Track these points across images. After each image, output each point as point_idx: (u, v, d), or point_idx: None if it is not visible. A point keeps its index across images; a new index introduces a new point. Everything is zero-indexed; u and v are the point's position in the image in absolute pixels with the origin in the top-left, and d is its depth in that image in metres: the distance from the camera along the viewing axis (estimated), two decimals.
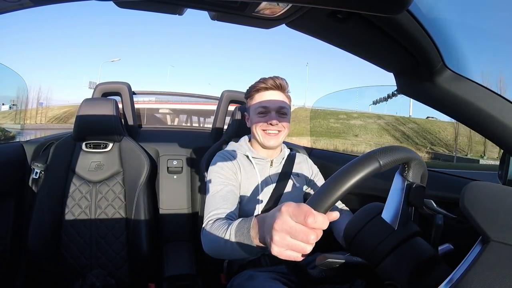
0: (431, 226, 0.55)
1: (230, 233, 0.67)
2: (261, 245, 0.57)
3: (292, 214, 0.45)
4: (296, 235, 0.44)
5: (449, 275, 0.40)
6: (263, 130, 0.99)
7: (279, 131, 0.99)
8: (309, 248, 0.45)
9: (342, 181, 0.45)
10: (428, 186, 0.60)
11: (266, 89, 0.99)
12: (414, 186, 0.54)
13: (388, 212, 0.53)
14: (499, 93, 0.56)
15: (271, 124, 0.97)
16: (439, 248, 0.55)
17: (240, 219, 0.68)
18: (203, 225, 0.84)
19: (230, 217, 0.84)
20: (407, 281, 0.47)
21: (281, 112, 0.99)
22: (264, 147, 1.02)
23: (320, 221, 0.43)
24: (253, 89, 1.01)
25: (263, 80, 0.99)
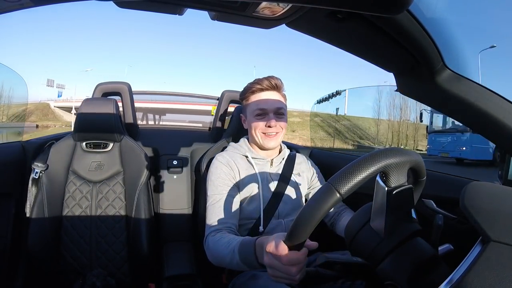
0: (431, 226, 0.55)
1: (234, 253, 0.73)
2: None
3: (273, 254, 0.53)
4: (280, 270, 0.52)
5: (449, 275, 0.40)
6: (262, 132, 0.98)
7: (277, 132, 0.99)
8: (296, 277, 0.52)
9: (309, 219, 0.47)
10: (428, 186, 0.59)
11: (262, 90, 0.98)
12: (395, 191, 0.50)
13: (374, 220, 0.52)
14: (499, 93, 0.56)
15: (269, 126, 0.96)
16: (439, 248, 0.55)
17: (241, 239, 0.74)
18: (205, 237, 0.90)
19: (230, 229, 0.89)
20: (407, 281, 0.47)
21: (279, 112, 0.98)
22: (263, 148, 1.02)
23: (295, 258, 0.50)
24: (248, 91, 1.00)
25: (258, 81, 0.99)
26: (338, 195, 0.45)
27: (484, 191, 0.49)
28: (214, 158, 1.03)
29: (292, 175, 1.04)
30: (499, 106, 0.55)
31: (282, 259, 0.51)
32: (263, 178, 1.00)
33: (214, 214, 0.91)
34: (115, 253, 1.20)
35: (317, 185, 1.10)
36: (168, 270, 1.13)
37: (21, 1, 0.32)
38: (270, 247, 0.54)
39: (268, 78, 0.98)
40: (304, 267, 0.53)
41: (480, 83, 0.57)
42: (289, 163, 1.06)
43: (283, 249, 0.51)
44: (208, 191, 0.97)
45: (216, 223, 0.89)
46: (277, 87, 0.99)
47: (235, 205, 0.94)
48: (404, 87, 0.67)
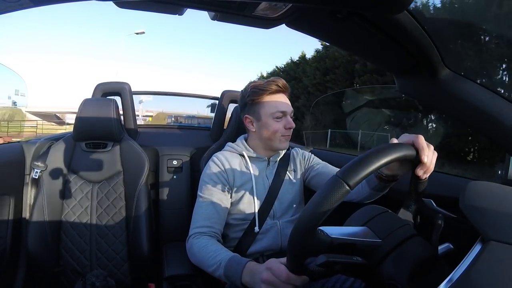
0: (431, 226, 0.55)
1: (220, 267, 0.75)
2: (247, 285, 0.68)
3: (274, 273, 0.59)
4: (276, 286, 0.58)
5: (449, 275, 0.40)
6: (281, 134, 0.97)
7: (290, 134, 1.00)
8: None
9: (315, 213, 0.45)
10: (428, 185, 0.60)
11: (279, 91, 0.97)
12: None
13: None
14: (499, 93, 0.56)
15: (290, 127, 0.97)
16: (439, 248, 0.55)
17: (230, 256, 0.76)
18: (188, 237, 0.92)
19: (215, 234, 0.91)
20: (407, 281, 0.47)
21: (292, 115, 0.99)
22: (275, 150, 1.01)
23: (293, 278, 0.55)
24: (263, 90, 0.95)
25: (274, 81, 0.96)
26: (347, 187, 0.44)
27: (484, 190, 0.49)
28: (210, 159, 1.02)
29: (287, 172, 1.04)
30: (499, 106, 0.56)
31: (282, 276, 0.56)
32: (258, 178, 1.00)
33: (201, 215, 0.93)
34: (115, 253, 1.20)
35: (313, 165, 1.08)
36: (168, 270, 1.13)
37: (20, 1, 0.32)
38: (273, 266, 0.60)
39: (279, 79, 0.98)
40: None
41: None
42: (285, 160, 1.06)
43: (285, 269, 0.56)
44: (199, 190, 0.98)
45: (202, 226, 0.91)
46: (287, 89, 1.00)
47: (224, 211, 0.95)
48: (404, 87, 0.67)
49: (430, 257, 0.50)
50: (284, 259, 0.58)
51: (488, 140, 0.62)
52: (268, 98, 0.96)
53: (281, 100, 0.97)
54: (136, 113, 1.56)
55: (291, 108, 0.99)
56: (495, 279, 0.37)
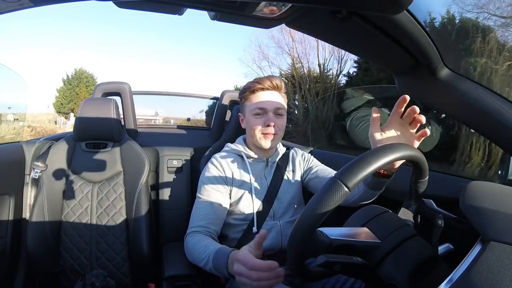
0: (431, 226, 0.55)
1: (209, 260, 0.78)
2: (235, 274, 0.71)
3: (242, 263, 0.62)
4: (244, 275, 0.62)
5: (449, 275, 0.40)
6: (260, 131, 0.97)
7: (275, 133, 0.97)
8: (255, 284, 0.60)
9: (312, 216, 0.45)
10: (428, 185, 0.60)
11: (262, 89, 0.97)
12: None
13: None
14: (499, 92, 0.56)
15: (268, 125, 0.95)
16: (439, 248, 0.55)
17: (218, 248, 0.79)
18: (186, 235, 0.94)
19: (210, 234, 0.92)
20: (407, 281, 0.47)
21: (278, 113, 0.97)
22: (261, 148, 1.01)
23: (257, 264, 0.59)
24: (248, 90, 0.98)
25: (259, 80, 0.98)
26: (345, 188, 0.44)
27: (484, 191, 0.49)
28: (209, 160, 1.03)
29: (286, 172, 1.04)
30: (499, 106, 0.55)
31: (248, 264, 0.60)
32: (257, 178, 1.00)
33: (198, 216, 0.94)
34: (115, 253, 1.20)
35: (312, 167, 1.08)
36: (168, 270, 1.13)
37: (20, 1, 0.32)
38: (241, 255, 0.63)
39: (270, 77, 0.98)
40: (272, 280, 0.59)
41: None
42: (284, 161, 1.06)
43: (251, 257, 0.61)
44: (197, 191, 0.99)
45: (198, 225, 0.93)
46: (277, 87, 0.98)
47: (221, 212, 0.95)
48: (404, 87, 0.67)
49: (430, 257, 0.50)
50: (250, 246, 0.63)
51: (488, 140, 0.61)
52: (252, 97, 0.98)
53: (264, 98, 0.96)
54: (151, 117, 1.58)
55: (276, 106, 0.96)
56: (495, 279, 0.37)
